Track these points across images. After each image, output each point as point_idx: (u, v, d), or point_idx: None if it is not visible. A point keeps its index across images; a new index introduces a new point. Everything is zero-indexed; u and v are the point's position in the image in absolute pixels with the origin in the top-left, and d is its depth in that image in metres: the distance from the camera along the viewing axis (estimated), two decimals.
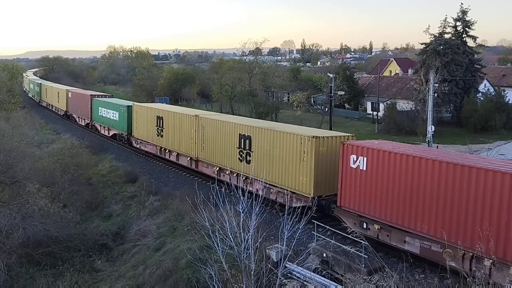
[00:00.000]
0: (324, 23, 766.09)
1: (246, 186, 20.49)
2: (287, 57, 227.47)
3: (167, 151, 36.91)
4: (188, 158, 33.68)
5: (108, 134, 49.33)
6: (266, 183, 24.01)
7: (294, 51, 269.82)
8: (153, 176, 36.42)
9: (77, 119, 61.60)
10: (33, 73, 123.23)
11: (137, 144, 42.16)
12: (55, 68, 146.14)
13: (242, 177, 27.86)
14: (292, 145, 24.25)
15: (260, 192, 19.43)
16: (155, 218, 27.74)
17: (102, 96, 56.49)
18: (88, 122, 55.59)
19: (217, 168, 30.31)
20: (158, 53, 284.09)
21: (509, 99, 56.93)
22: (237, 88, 71.60)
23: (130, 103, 45.76)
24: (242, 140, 27.91)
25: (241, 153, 28.23)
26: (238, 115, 61.87)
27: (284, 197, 21.77)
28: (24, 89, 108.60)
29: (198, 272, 18.41)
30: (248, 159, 27.60)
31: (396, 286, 15.21)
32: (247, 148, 27.64)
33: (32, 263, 24.04)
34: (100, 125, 51.54)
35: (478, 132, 52.04)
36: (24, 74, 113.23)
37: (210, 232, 16.52)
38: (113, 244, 26.80)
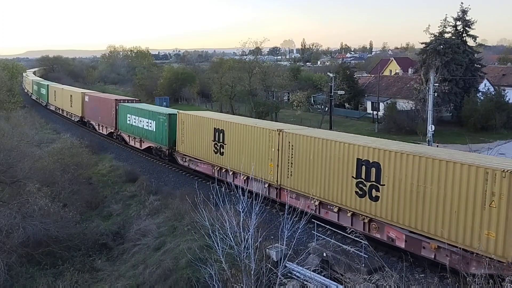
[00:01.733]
0: (324, 22, 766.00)
1: (374, 234, 17.59)
2: (287, 57, 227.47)
3: (229, 172, 29.04)
4: (266, 185, 25.81)
5: (140, 146, 42.12)
6: (411, 231, 18.33)
7: (294, 51, 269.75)
8: (153, 175, 36.42)
9: (96, 127, 54.18)
10: (33, 73, 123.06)
11: (184, 161, 34.75)
12: (55, 67, 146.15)
13: (363, 219, 20.59)
14: (472, 183, 16.26)
15: (401, 245, 18.67)
16: (155, 217, 27.74)
17: (128, 101, 49.20)
18: (112, 131, 48.36)
19: (316, 202, 22.79)
20: (158, 52, 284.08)
21: (509, 99, 56.90)
22: (237, 87, 71.56)
23: (173, 111, 38.42)
24: (363, 167, 20.18)
25: (360, 185, 20.34)
26: (239, 114, 61.83)
27: (452, 257, 16.78)
28: (26, 91, 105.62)
29: (198, 271, 18.42)
30: (375, 195, 19.77)
31: (396, 286, 15.21)
32: (373, 179, 19.75)
33: (32, 262, 24.04)
34: (129, 136, 44.17)
35: (478, 131, 52.03)
36: (24, 74, 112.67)
37: (210, 231, 16.52)
38: (113, 243, 26.81)
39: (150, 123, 39.08)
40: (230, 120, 29.81)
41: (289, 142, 24.15)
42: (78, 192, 32.59)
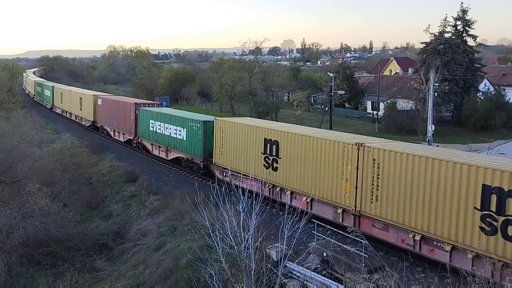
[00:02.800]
0: (324, 22, 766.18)
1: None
2: (287, 57, 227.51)
3: (286, 192, 24.77)
4: (339, 210, 21.66)
5: (166, 156, 37.52)
6: None
7: (294, 51, 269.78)
8: (153, 175, 36.41)
9: (111, 133, 49.41)
10: (33, 73, 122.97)
11: (223, 175, 29.82)
12: (55, 67, 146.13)
13: (492, 263, 15.76)
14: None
15: None
16: (155, 217, 27.75)
17: (149, 105, 44.38)
18: (131, 138, 43.76)
19: (417, 236, 18.35)
20: (158, 52, 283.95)
21: (509, 98, 56.91)
22: (237, 87, 71.58)
23: (208, 117, 34.39)
24: (494, 197, 15.68)
25: (487, 219, 15.90)
26: (239, 114, 61.82)
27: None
28: (27, 92, 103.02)
29: (198, 271, 18.43)
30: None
31: (396, 285, 15.21)
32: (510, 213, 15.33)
33: (32, 262, 24.05)
34: (152, 144, 39.74)
35: (478, 131, 52.02)
36: (24, 75, 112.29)
37: (210, 231, 16.53)
38: (113, 243, 26.82)
39: (180, 131, 34.73)
40: (286, 130, 25.01)
41: (374, 160, 19.58)
42: (78, 192, 32.60)
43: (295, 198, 24.30)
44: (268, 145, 25.67)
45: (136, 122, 42.13)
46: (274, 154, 25.28)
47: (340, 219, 21.57)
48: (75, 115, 61.71)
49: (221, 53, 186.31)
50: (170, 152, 36.85)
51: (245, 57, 79.06)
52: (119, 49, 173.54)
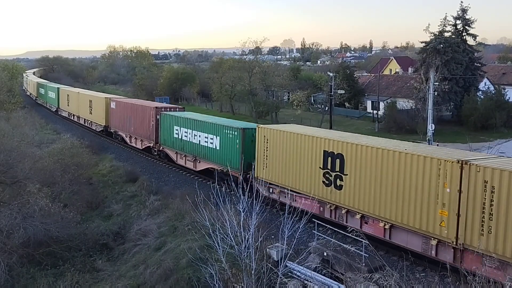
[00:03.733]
0: (324, 22, 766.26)
1: None
2: (287, 56, 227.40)
3: (356, 216, 21.09)
4: (432, 242, 17.93)
5: (194, 167, 33.85)
6: None
7: (294, 50, 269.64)
8: (154, 175, 36.42)
9: (126, 139, 45.64)
10: (33, 73, 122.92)
11: (270, 192, 25.72)
12: (55, 68, 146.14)
13: None
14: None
15: None
16: (155, 217, 27.76)
17: (171, 109, 40.42)
18: (151, 145, 40.12)
19: None
20: (158, 52, 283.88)
21: (509, 97, 56.86)
22: (237, 87, 71.60)
23: (247, 124, 31.74)
24: None
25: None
26: (239, 114, 61.84)
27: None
28: (29, 93, 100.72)
29: (199, 271, 18.44)
30: None
31: (396, 285, 15.22)
32: None
33: (33, 263, 24.07)
34: (177, 153, 35.84)
35: (479, 130, 52.00)
36: (25, 76, 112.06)
37: (210, 231, 16.54)
38: (114, 243, 26.84)
39: (212, 139, 31.14)
40: (354, 142, 21.20)
41: (486, 182, 15.95)
42: (78, 192, 32.61)
43: (366, 223, 20.67)
44: (329, 158, 22.09)
45: (157, 128, 38.27)
46: (337, 169, 21.66)
47: (433, 252, 17.90)
48: (84, 119, 58.01)
49: (221, 53, 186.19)
50: (199, 162, 33.05)
51: (245, 57, 79.10)
52: (119, 49, 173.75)
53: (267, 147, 25.82)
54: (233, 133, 28.99)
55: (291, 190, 24.35)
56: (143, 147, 42.12)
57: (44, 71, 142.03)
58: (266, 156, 25.89)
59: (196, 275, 19.15)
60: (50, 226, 24.82)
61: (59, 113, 70.96)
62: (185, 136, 34.41)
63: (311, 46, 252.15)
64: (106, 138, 45.00)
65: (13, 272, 22.70)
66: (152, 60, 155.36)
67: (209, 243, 17.40)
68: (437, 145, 37.03)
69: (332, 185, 22.02)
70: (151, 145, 40.03)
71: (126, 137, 45.49)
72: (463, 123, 54.37)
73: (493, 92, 57.60)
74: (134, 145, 44.05)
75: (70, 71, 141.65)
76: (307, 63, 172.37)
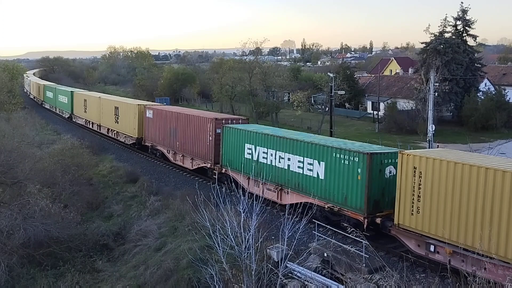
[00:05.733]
0: (324, 22, 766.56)
1: None
2: (288, 57, 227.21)
3: None
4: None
5: (279, 198, 25.78)
6: None
7: (295, 51, 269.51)
8: (154, 176, 36.41)
9: (169, 156, 37.45)
10: (33, 74, 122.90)
11: (425, 248, 18.19)
12: (55, 68, 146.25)
13: None
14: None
15: None
16: (156, 218, 27.77)
17: (234, 120, 32.45)
18: (208, 166, 32.12)
19: None
20: (159, 53, 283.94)
21: (509, 98, 56.88)
22: (237, 88, 71.62)
23: (370, 147, 23.30)
24: None
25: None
26: (239, 115, 61.84)
27: None
28: (33, 96, 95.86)
29: (199, 272, 18.45)
30: None
31: (396, 286, 15.22)
32: None
33: (33, 263, 24.08)
34: (250, 179, 26.11)
35: (479, 131, 52.02)
36: (26, 77, 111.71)
37: (211, 232, 16.54)
38: (114, 244, 26.86)
39: (311, 164, 23.52)
40: None
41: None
42: (78, 193, 32.59)
43: None
44: None
45: (218, 145, 30.62)
46: None
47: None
48: (108, 129, 49.95)
49: (221, 54, 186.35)
50: (288, 194, 25.11)
51: (245, 57, 79.15)
52: (119, 50, 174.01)
53: (420, 183, 18.20)
54: (351, 158, 21.40)
55: (477, 253, 15.44)
56: (195, 167, 34.12)
57: (44, 71, 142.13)
58: (418, 196, 18.23)
59: (197, 275, 19.17)
60: (50, 226, 24.83)
61: (73, 120, 63.46)
62: (263, 157, 26.60)
63: (311, 46, 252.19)
64: (140, 152, 42.03)
65: (13, 273, 22.70)
66: (152, 61, 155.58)
67: (209, 243, 17.40)
68: (437, 146, 37.01)
69: None
70: (208, 165, 31.99)
71: (169, 153, 37.59)
72: (463, 124, 54.39)
73: (494, 92, 57.63)
74: (180, 163, 35.92)
75: (71, 71, 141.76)
76: (308, 63, 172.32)
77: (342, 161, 21.83)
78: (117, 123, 47.00)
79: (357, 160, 21.06)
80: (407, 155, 18.80)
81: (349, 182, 21.47)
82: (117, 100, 49.65)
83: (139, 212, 30.02)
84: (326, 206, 22.56)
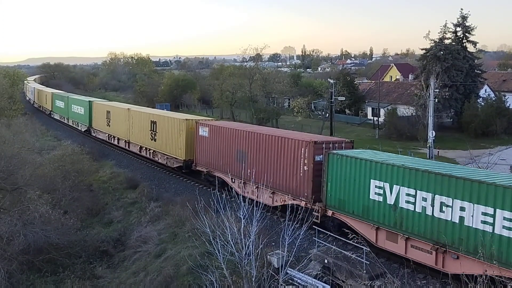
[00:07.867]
0: (325, 29, 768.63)
1: None
2: (288, 63, 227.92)
3: None
4: None
5: (440, 265, 17.51)
6: None
7: (295, 57, 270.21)
8: (154, 182, 36.38)
9: (233, 185, 28.67)
10: (34, 80, 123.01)
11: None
12: (56, 75, 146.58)
13: None
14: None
15: None
16: (156, 224, 27.73)
17: (335, 143, 24.17)
18: (302, 204, 23.40)
19: None
20: (159, 59, 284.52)
21: (509, 104, 56.91)
22: (237, 94, 71.72)
23: None
24: None
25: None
26: (239, 121, 61.93)
27: None
28: (38, 105, 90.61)
29: (199, 278, 18.38)
30: None
31: None
32: None
33: (33, 270, 24.04)
34: (379, 229, 20.02)
35: (479, 137, 52.00)
36: (30, 84, 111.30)
37: (211, 238, 16.51)
38: (114, 250, 26.81)
39: (508, 218, 15.53)
40: None
41: None
42: (79, 199, 32.60)
43: None
44: None
45: (318, 177, 22.99)
46: None
47: None
48: (141, 147, 41.95)
49: (222, 60, 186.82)
50: (456, 258, 16.90)
51: (245, 63, 79.29)
52: (120, 56, 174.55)
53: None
54: None
55: None
56: (278, 203, 25.88)
57: (45, 77, 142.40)
58: None
59: (197, 282, 19.11)
60: (50, 233, 24.81)
61: (93, 134, 55.51)
62: (409, 202, 18.71)
63: (311, 53, 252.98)
64: (184, 176, 35.59)
65: (13, 279, 22.65)
66: (153, 67, 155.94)
67: (209, 250, 17.36)
68: (438, 152, 36.99)
69: None
70: (303, 204, 23.53)
71: (233, 182, 29.20)
72: (463, 130, 54.38)
73: (494, 99, 57.68)
74: (253, 197, 24.03)
75: (71, 78, 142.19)
76: (308, 70, 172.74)
77: None
78: (154, 140, 38.98)
79: None
80: None
81: None
82: (155, 113, 40.69)
83: (139, 218, 29.98)
84: None
